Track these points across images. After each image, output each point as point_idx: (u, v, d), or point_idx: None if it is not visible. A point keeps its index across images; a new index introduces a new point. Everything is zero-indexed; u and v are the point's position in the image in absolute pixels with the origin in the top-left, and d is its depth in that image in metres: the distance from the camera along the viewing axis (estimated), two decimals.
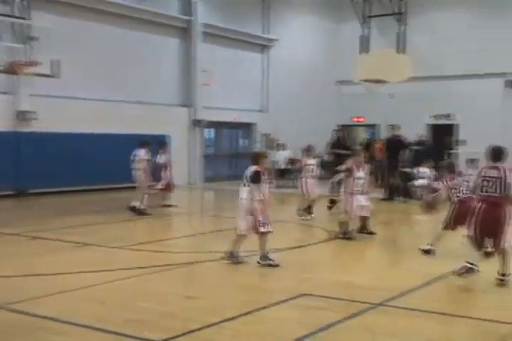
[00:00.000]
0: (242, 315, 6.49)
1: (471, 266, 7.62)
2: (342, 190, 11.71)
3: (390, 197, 18.27)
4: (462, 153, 22.77)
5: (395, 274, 9.00)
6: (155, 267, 8.81)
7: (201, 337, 5.88)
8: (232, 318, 6.35)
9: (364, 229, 11.69)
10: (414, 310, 6.74)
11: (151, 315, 6.52)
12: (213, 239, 11.86)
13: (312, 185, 14.12)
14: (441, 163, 10.29)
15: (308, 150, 14.66)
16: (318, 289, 7.61)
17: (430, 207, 9.93)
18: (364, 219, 11.65)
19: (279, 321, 6.42)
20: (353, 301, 7.05)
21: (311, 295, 7.33)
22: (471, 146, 23.61)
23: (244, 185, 9.03)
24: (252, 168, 9.06)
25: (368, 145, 22.48)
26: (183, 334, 5.86)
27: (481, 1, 25.77)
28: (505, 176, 7.52)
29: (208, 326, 6.09)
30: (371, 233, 11.67)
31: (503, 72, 25.59)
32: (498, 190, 7.48)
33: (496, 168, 7.61)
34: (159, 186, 16.38)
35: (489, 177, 7.51)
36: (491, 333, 6.07)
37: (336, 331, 6.05)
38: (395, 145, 18.72)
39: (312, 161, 14.32)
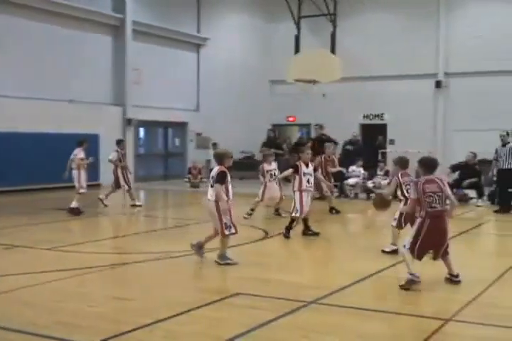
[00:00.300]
0: (177, 315, 6.43)
1: (413, 277, 7.67)
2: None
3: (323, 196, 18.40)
4: (390, 152, 23.26)
5: (328, 272, 9.10)
6: (87, 268, 8.63)
7: (133, 338, 5.79)
8: (166, 319, 6.29)
9: (308, 230, 11.70)
10: (347, 307, 6.80)
11: (82, 317, 6.39)
12: (147, 239, 11.73)
13: (270, 190, 14.15)
14: (394, 159, 10.15)
15: (267, 156, 14.73)
16: (253, 288, 7.61)
17: (384, 204, 9.39)
18: (305, 221, 11.69)
19: (213, 321, 6.40)
20: (287, 300, 7.07)
21: (246, 294, 7.32)
22: (400, 146, 24.13)
23: (212, 186, 8.88)
24: (216, 168, 8.93)
25: (302, 144, 22.64)
26: (115, 336, 5.76)
27: (410, 2, 26.24)
28: (444, 189, 7.78)
29: (141, 327, 6.01)
30: (315, 234, 11.69)
31: (433, 72, 26.20)
32: (440, 204, 7.74)
33: (434, 181, 7.81)
34: (126, 187, 16.42)
35: (432, 192, 7.72)
36: (423, 328, 6.17)
37: (269, 329, 6.05)
38: (324, 143, 18.89)
39: (272, 166, 14.39)
